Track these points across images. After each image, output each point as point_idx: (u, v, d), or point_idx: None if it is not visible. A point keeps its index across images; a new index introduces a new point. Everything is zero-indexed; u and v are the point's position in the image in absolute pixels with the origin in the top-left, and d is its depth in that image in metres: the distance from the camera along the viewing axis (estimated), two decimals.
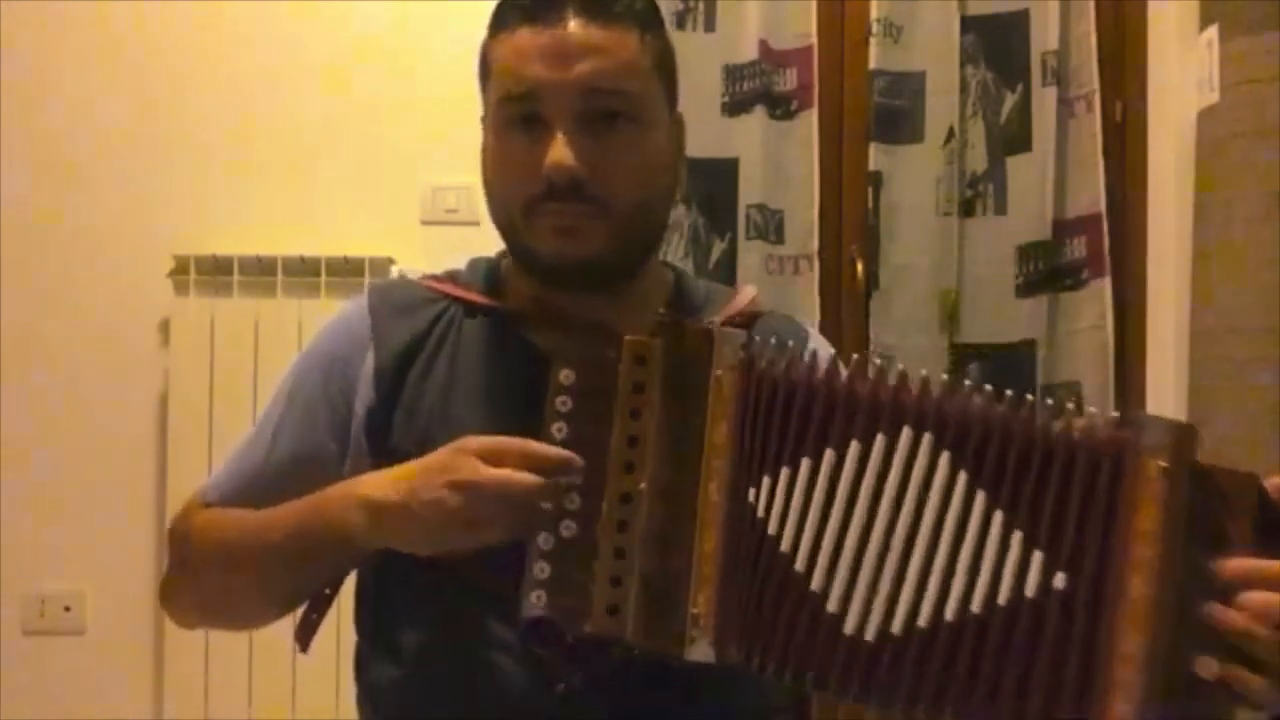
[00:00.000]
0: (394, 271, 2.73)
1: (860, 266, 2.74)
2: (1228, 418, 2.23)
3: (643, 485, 1.00)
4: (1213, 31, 2.31)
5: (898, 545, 0.95)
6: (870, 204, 2.73)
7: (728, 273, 2.70)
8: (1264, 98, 2.20)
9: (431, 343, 1.20)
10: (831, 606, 0.96)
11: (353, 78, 2.82)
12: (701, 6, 2.74)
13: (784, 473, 0.99)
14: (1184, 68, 2.46)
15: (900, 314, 2.71)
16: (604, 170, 1.12)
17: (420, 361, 1.19)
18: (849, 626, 0.95)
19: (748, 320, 1.22)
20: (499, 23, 1.17)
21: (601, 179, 1.12)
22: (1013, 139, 2.76)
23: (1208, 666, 0.89)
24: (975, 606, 0.93)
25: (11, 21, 2.80)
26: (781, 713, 1.22)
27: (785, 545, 0.98)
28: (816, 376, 1.01)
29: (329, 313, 1.28)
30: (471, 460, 1.03)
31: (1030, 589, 0.92)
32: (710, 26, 2.74)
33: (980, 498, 0.94)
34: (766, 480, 1.00)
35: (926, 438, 0.95)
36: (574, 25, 1.13)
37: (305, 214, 2.82)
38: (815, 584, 0.96)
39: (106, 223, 2.81)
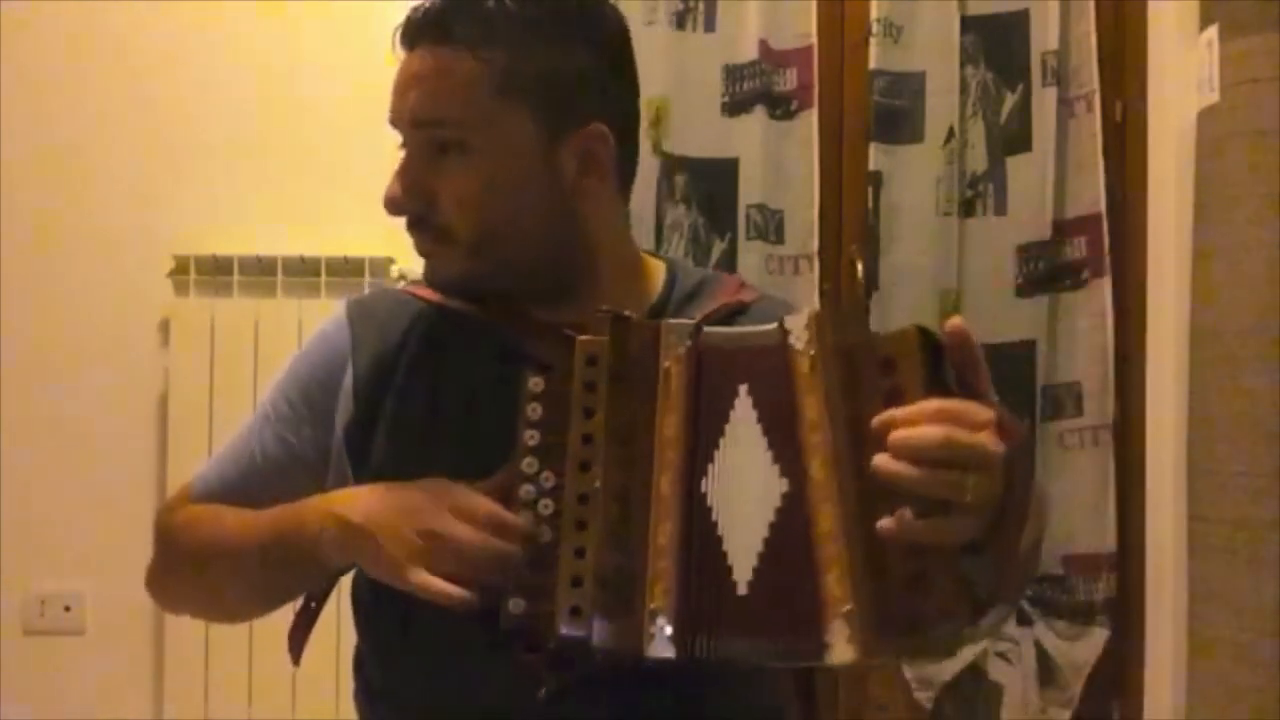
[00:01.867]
0: (394, 271, 2.74)
1: (860, 266, 2.74)
2: (1228, 418, 2.23)
3: (598, 484, 1.01)
4: (1213, 31, 2.30)
5: (746, 500, 1.00)
6: (870, 204, 2.72)
7: (727, 272, 2.70)
8: (1264, 98, 2.20)
9: (410, 349, 1.21)
10: (735, 575, 0.99)
11: (353, 78, 2.82)
12: (701, 6, 2.74)
13: (716, 456, 1.02)
14: (1184, 68, 2.45)
15: (900, 314, 2.71)
16: (440, 200, 1.14)
17: (401, 369, 1.20)
18: (740, 589, 0.98)
19: (731, 315, 1.21)
20: None
21: (440, 209, 1.14)
22: (1013, 139, 2.76)
23: (886, 527, 0.91)
24: (766, 532, 0.98)
25: (11, 22, 2.80)
26: (781, 710, 1.22)
27: (720, 528, 1.00)
28: (749, 359, 1.04)
29: (329, 313, 1.29)
30: (443, 513, 1.04)
31: (777, 499, 0.98)
32: (710, 26, 2.74)
33: (759, 429, 1.01)
34: (709, 467, 1.02)
35: (745, 388, 1.02)
36: (417, 53, 1.15)
37: (305, 214, 2.82)
38: (730, 558, 0.99)
39: (106, 223, 2.81)
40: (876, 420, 0.93)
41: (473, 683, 1.12)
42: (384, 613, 1.17)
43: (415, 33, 1.15)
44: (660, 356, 1.03)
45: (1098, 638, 2.68)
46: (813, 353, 0.99)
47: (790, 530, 0.97)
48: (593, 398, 1.03)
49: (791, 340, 1.00)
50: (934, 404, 0.93)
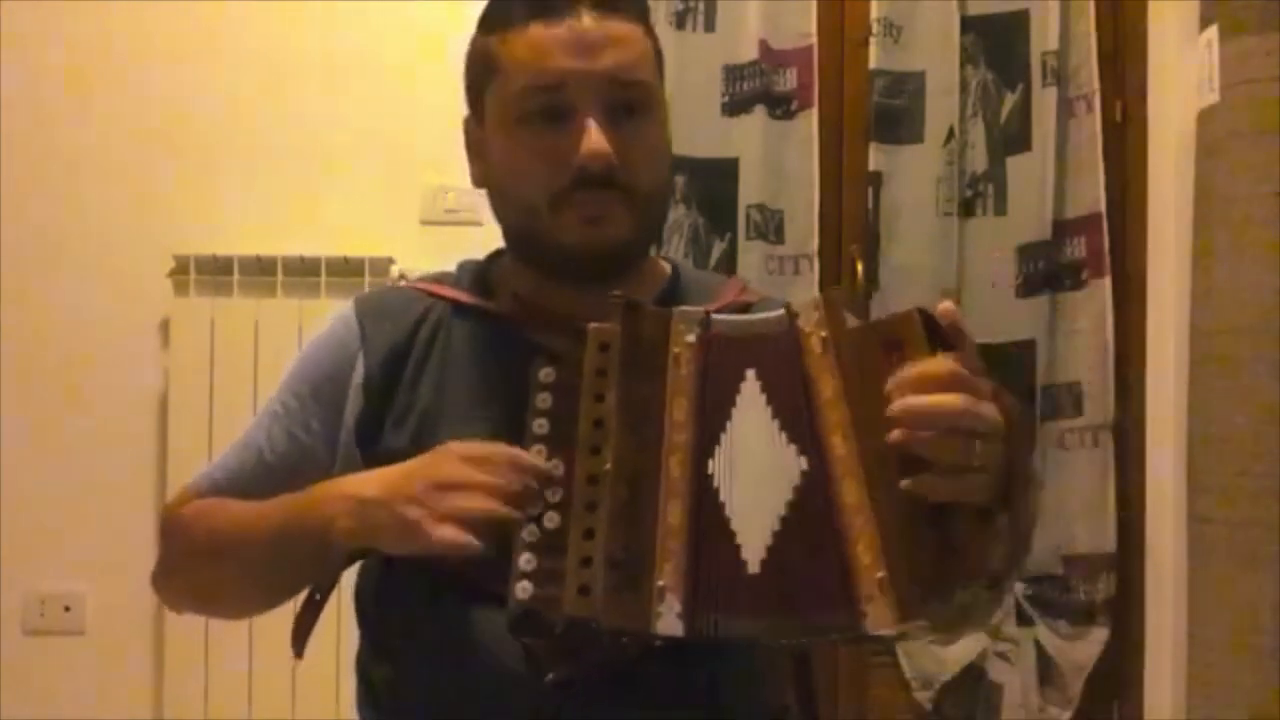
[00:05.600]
0: (394, 271, 2.74)
1: (860, 266, 2.74)
2: (1228, 418, 2.23)
3: (608, 466, 1.02)
4: (1213, 31, 2.31)
5: (757, 480, 1.02)
6: (870, 204, 2.73)
7: (727, 273, 2.70)
8: (1264, 98, 2.21)
9: (420, 343, 1.21)
10: (745, 554, 1.00)
11: (353, 78, 2.83)
12: (701, 6, 2.74)
13: (723, 438, 1.03)
14: (1184, 68, 2.46)
15: None
16: (630, 158, 1.15)
17: (411, 363, 1.20)
18: (751, 568, 0.99)
19: (736, 312, 1.21)
20: (503, 20, 1.18)
21: (628, 167, 1.15)
22: (1013, 139, 2.77)
23: (909, 484, 0.94)
24: (783, 510, 1.00)
25: (12, 21, 2.80)
26: (784, 710, 1.22)
27: (728, 508, 1.01)
28: (757, 344, 1.05)
29: (329, 313, 1.28)
30: (456, 462, 1.04)
31: (795, 477, 1.00)
32: (710, 26, 2.75)
33: (769, 411, 1.03)
34: (717, 449, 1.03)
35: (752, 373, 1.04)
36: (588, 19, 1.15)
37: (305, 214, 2.82)
38: (739, 537, 1.00)
39: (106, 223, 2.81)
40: (894, 380, 0.96)
41: (479, 678, 1.11)
42: (388, 608, 1.17)
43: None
44: (670, 342, 1.05)
45: (1098, 638, 2.68)
46: (823, 334, 1.02)
47: (812, 506, 0.98)
48: (603, 383, 1.05)
49: (800, 323, 1.03)
50: (948, 365, 0.96)
